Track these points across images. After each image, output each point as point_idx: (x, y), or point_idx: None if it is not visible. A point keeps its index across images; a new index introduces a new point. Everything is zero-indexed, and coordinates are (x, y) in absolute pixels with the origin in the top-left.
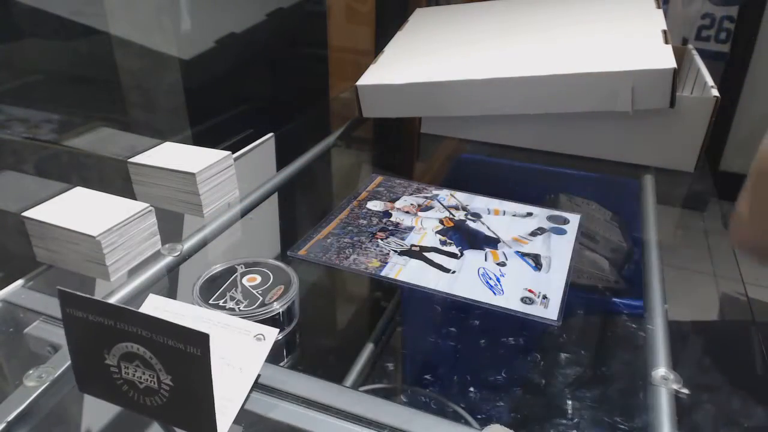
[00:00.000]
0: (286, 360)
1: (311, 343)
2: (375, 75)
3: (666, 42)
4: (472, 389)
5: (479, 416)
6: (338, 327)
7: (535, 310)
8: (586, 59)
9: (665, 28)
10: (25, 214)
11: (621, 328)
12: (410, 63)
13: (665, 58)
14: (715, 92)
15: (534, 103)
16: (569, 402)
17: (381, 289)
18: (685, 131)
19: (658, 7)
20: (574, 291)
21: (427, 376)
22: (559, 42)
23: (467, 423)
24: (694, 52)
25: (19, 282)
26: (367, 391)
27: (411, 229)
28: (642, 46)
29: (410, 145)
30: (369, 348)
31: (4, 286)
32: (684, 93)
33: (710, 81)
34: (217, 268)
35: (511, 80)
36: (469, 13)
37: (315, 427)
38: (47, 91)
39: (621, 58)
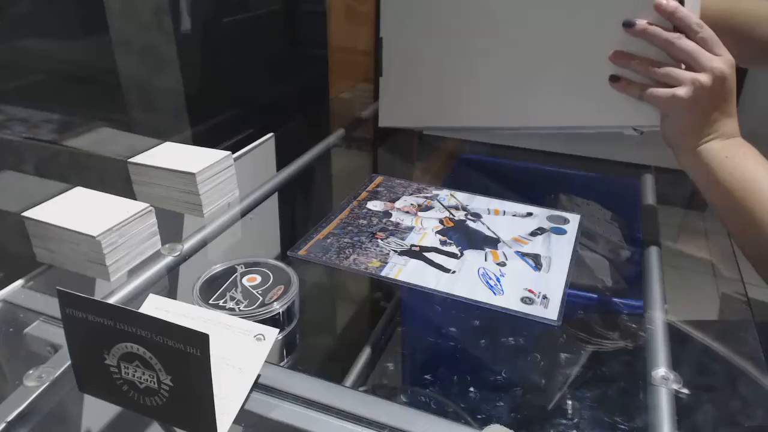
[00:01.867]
0: (286, 360)
1: (311, 343)
2: (393, 105)
3: None
4: (472, 389)
5: (479, 416)
6: (338, 327)
7: (535, 310)
8: (589, 66)
9: None
10: (25, 214)
11: (621, 328)
12: (427, 82)
13: None
14: None
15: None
16: (569, 402)
17: (381, 289)
18: None
19: None
20: (574, 291)
21: (427, 376)
22: (570, 48)
23: (467, 423)
24: None
25: (19, 282)
26: (367, 391)
27: (411, 229)
28: None
29: (410, 145)
30: (369, 348)
31: (4, 286)
32: None
33: None
34: (217, 268)
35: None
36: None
37: (315, 427)
38: (47, 91)
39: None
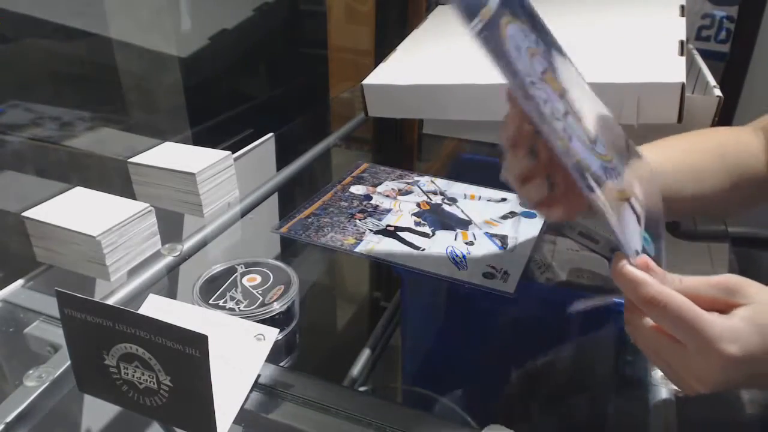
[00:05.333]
0: (286, 360)
1: (311, 343)
2: (382, 74)
3: (681, 53)
4: (472, 389)
5: (479, 416)
6: (338, 327)
7: (495, 284)
8: (591, 68)
9: (684, 38)
10: (25, 214)
11: (621, 328)
12: (420, 64)
13: (674, 71)
14: (718, 92)
15: None
16: (570, 401)
17: (381, 289)
18: (689, 131)
19: (682, 15)
20: (574, 291)
21: (427, 376)
22: (572, 47)
23: (467, 423)
24: (695, 52)
25: (19, 282)
26: (367, 391)
27: (389, 211)
28: (653, 56)
29: (411, 145)
30: (368, 348)
31: (4, 286)
32: (686, 93)
33: (712, 81)
34: (217, 268)
35: None
36: None
37: (315, 427)
38: (47, 91)
39: (627, 69)
